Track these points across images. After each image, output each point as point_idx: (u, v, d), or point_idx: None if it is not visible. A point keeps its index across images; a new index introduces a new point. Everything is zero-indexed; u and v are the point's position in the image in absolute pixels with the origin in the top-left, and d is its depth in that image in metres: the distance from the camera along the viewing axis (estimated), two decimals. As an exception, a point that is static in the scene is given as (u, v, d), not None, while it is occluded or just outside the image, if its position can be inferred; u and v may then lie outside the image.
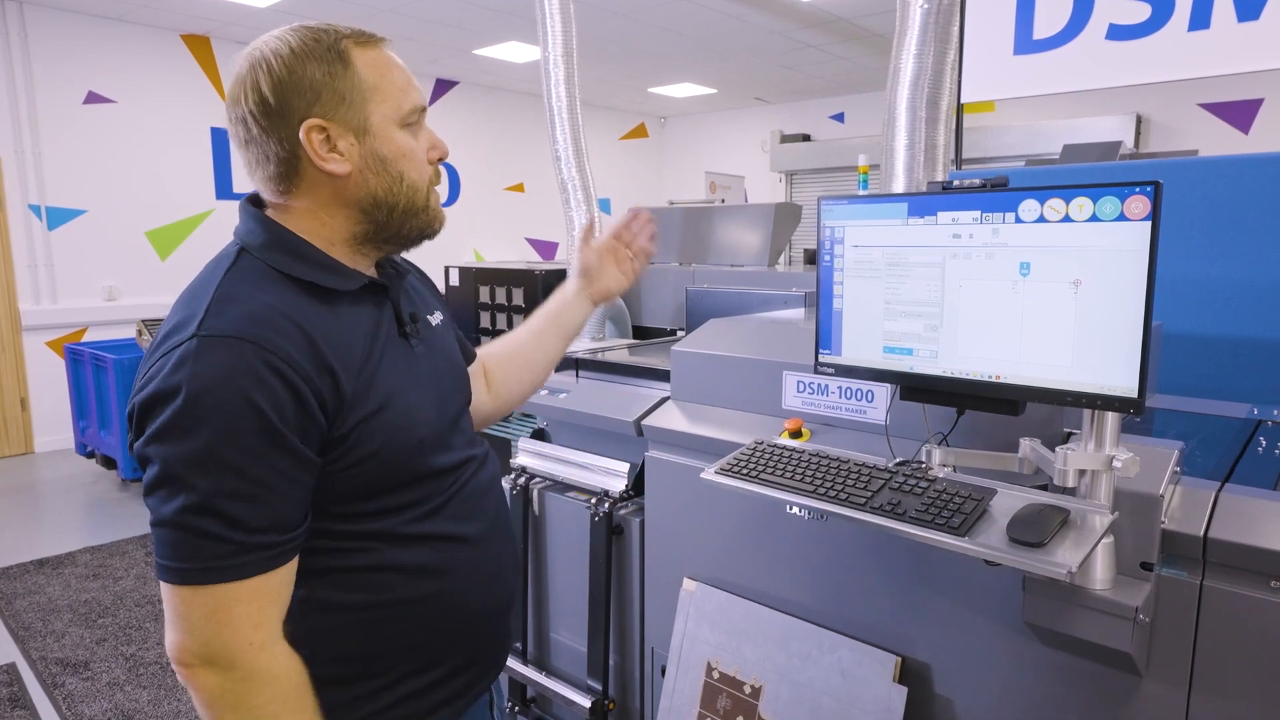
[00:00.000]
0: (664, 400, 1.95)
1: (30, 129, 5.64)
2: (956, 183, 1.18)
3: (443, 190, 1.15)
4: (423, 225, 1.02)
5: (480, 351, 1.33)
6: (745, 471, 1.40)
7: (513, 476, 2.20)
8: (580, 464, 2.07)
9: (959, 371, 1.22)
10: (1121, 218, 1.03)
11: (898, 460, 1.37)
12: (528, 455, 2.21)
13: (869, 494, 1.24)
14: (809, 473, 1.35)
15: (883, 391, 1.58)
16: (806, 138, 8.87)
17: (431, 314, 1.13)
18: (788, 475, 1.36)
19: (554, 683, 2.12)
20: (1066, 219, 1.08)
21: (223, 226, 6.52)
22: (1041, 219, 1.10)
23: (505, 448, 2.36)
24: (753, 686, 1.68)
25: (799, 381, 1.70)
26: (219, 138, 6.47)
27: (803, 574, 1.64)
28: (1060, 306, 1.10)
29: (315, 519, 0.91)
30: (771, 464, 1.41)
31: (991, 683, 1.40)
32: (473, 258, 8.06)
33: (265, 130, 0.91)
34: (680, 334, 3.23)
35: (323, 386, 0.87)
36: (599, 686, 2.01)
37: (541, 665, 2.22)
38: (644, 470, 1.95)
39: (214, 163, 6.48)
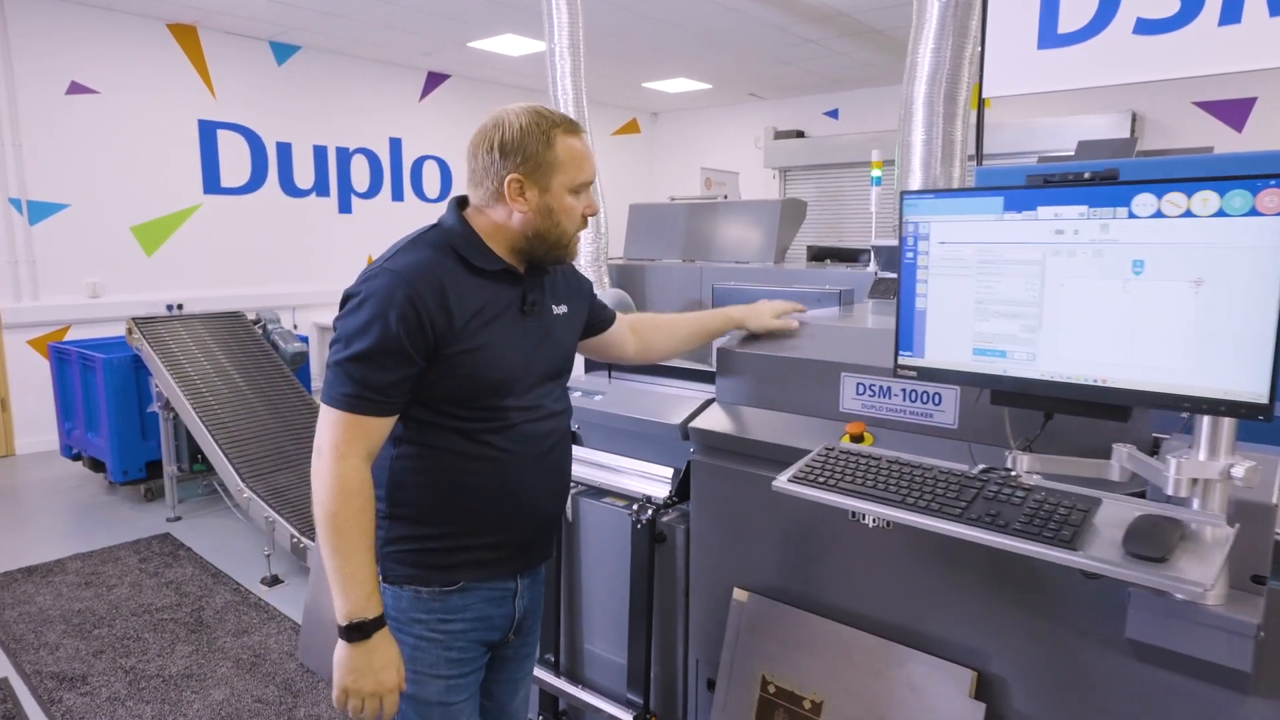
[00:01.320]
0: (708, 403, 1.88)
1: (10, 120, 5.45)
2: (1060, 176, 1.12)
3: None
4: (560, 256, 1.45)
5: (641, 315, 1.84)
6: (821, 479, 1.34)
7: (545, 482, 2.12)
8: (620, 469, 1.99)
9: (1059, 375, 1.16)
10: (1253, 212, 0.97)
11: (981, 467, 1.31)
12: (561, 460, 2.12)
13: (962, 504, 1.18)
14: (890, 481, 1.28)
15: (951, 395, 1.52)
16: (800, 134, 8.83)
17: (559, 304, 1.52)
18: (868, 484, 1.29)
19: (589, 695, 2.04)
20: (1188, 214, 1.02)
21: (211, 221, 6.37)
22: (1159, 214, 1.04)
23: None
24: (813, 701, 1.61)
25: (859, 384, 1.64)
26: (206, 132, 6.31)
27: (866, 584, 1.58)
28: (1178, 307, 1.04)
29: (418, 408, 1.34)
30: (847, 471, 1.34)
31: (1074, 697, 1.34)
32: (465, 254, 7.94)
33: (488, 169, 1.36)
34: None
35: (438, 318, 1.29)
36: (640, 700, 1.94)
37: (574, 677, 2.14)
38: (688, 475, 1.88)
39: (201, 156, 6.31)
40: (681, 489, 1.90)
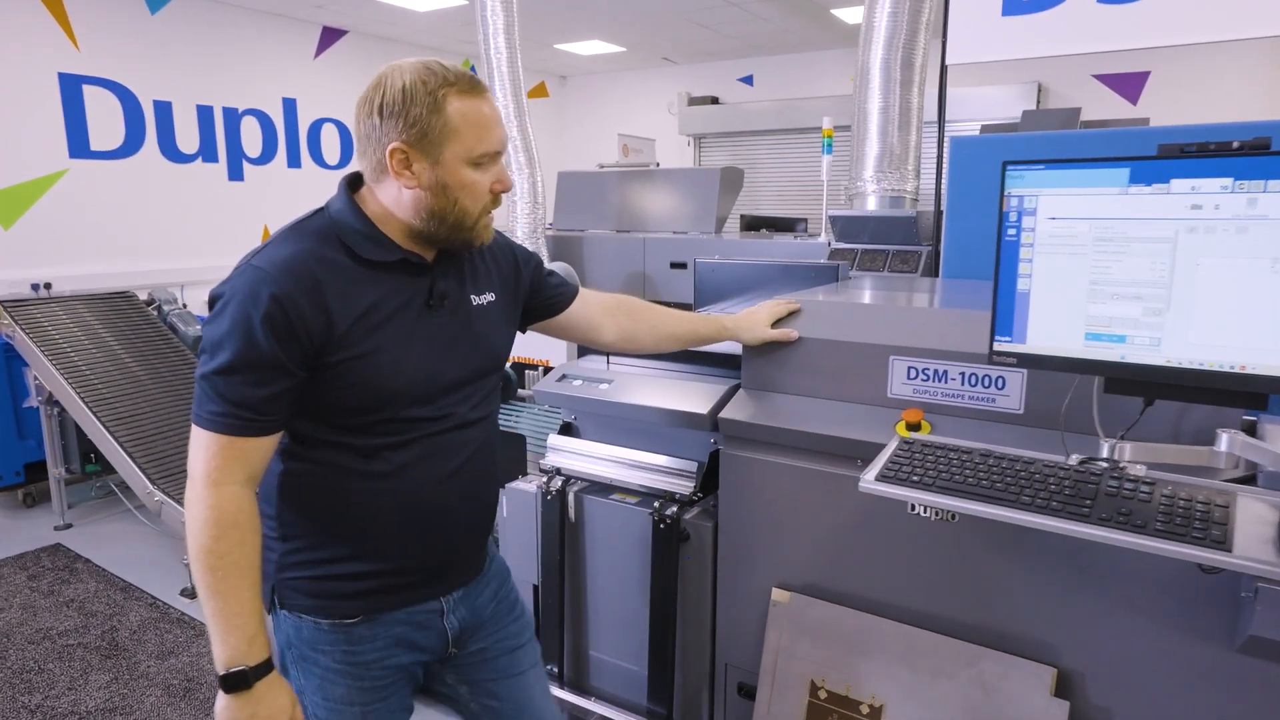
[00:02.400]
0: (733, 390, 1.74)
1: None
2: (1199, 146, 1.02)
3: (498, 210, 1.30)
4: (466, 239, 1.24)
5: (631, 300, 1.62)
6: (914, 477, 1.22)
7: (544, 480, 1.94)
8: (633, 463, 1.83)
9: (1189, 361, 1.08)
10: None
11: (1078, 457, 1.23)
12: (564, 455, 1.94)
13: (1085, 502, 1.09)
14: (992, 477, 1.18)
15: (1017, 378, 1.44)
16: (715, 100, 8.72)
17: (481, 294, 1.33)
18: (969, 481, 1.18)
19: (602, 707, 1.89)
20: (1353, 188, 0.95)
21: (80, 189, 5.66)
22: (1318, 188, 0.96)
23: (520, 444, 2.07)
24: (871, 706, 1.52)
25: (910, 367, 1.53)
26: (70, 87, 5.58)
27: (927, 579, 1.49)
28: (1336, 288, 0.97)
29: (300, 417, 1.18)
30: (939, 466, 1.23)
31: (1167, 692, 1.30)
32: (370, 225, 7.45)
33: (369, 137, 1.17)
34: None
35: (314, 322, 1.12)
36: (663, 710, 1.81)
37: (580, 688, 1.98)
38: (714, 468, 1.74)
39: (65, 117, 5.57)
40: (703, 484, 1.76)
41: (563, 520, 1.91)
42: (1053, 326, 1.17)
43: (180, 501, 3.28)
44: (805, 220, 5.15)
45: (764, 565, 1.67)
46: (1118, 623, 1.32)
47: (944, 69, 3.11)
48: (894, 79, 3.45)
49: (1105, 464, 1.20)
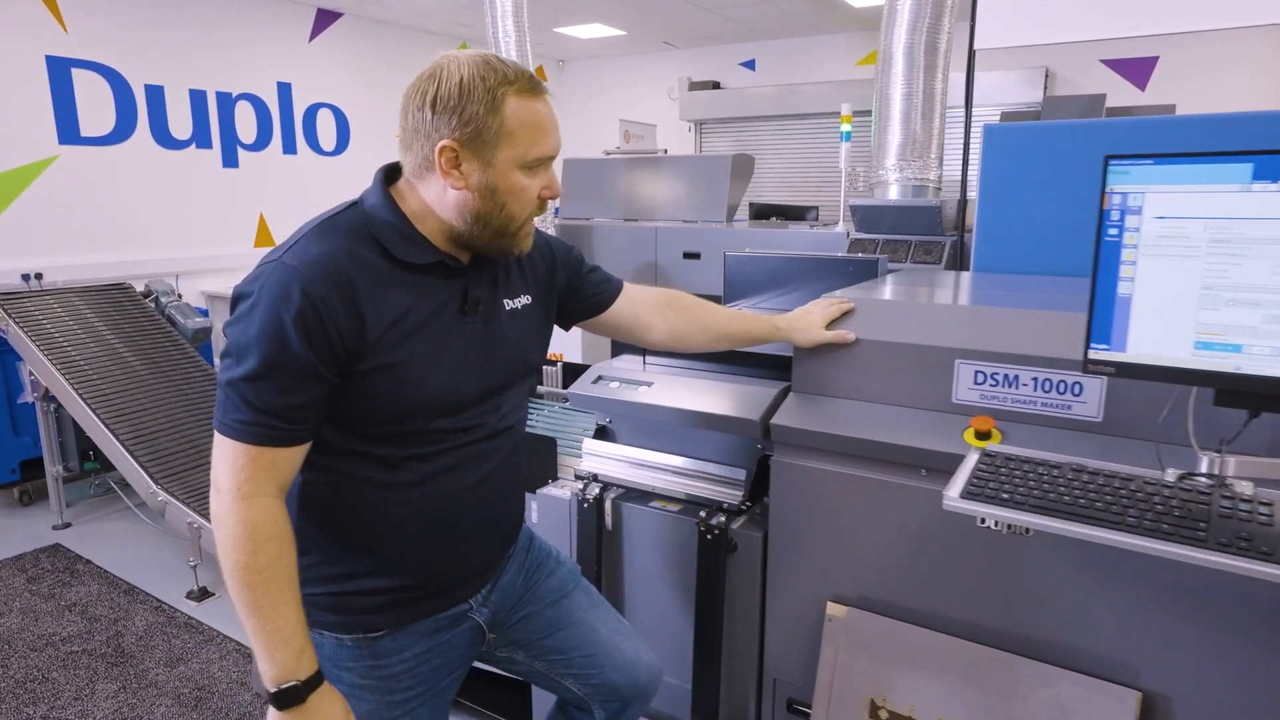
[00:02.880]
0: (784, 394, 1.66)
1: None
2: (1334, 139, 0.94)
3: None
4: (507, 246, 1.18)
5: (681, 296, 1.56)
6: (1004, 495, 1.14)
7: (581, 487, 1.85)
8: (682, 470, 1.75)
9: (1315, 373, 1.00)
10: None
11: (1178, 473, 1.15)
12: (601, 459, 1.86)
13: (1200, 525, 1.01)
14: (1089, 495, 1.10)
15: (1096, 384, 1.36)
16: (716, 85, 8.59)
17: (515, 297, 1.27)
18: (1064, 500, 1.11)
19: (642, 723, 1.82)
20: None
21: (70, 176, 5.51)
22: None
23: (550, 446, 1.98)
24: (937, 727, 1.45)
25: (978, 372, 1.45)
26: (59, 71, 5.41)
27: (996, 594, 1.42)
28: None
29: (327, 428, 1.11)
30: (1026, 483, 1.16)
31: (1250, 715, 1.23)
32: (367, 212, 7.31)
33: (417, 130, 1.09)
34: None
35: (347, 326, 1.05)
36: (708, 726, 1.74)
37: (617, 701, 1.90)
38: (760, 476, 1.66)
39: (54, 101, 5.41)
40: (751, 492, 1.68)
41: (600, 528, 1.83)
42: (1157, 334, 1.09)
43: (184, 501, 3.19)
44: (817, 208, 5.05)
45: (817, 578, 1.60)
46: (1208, 645, 1.25)
47: (971, 54, 3.01)
48: (918, 64, 3.36)
49: (1207, 480, 1.12)
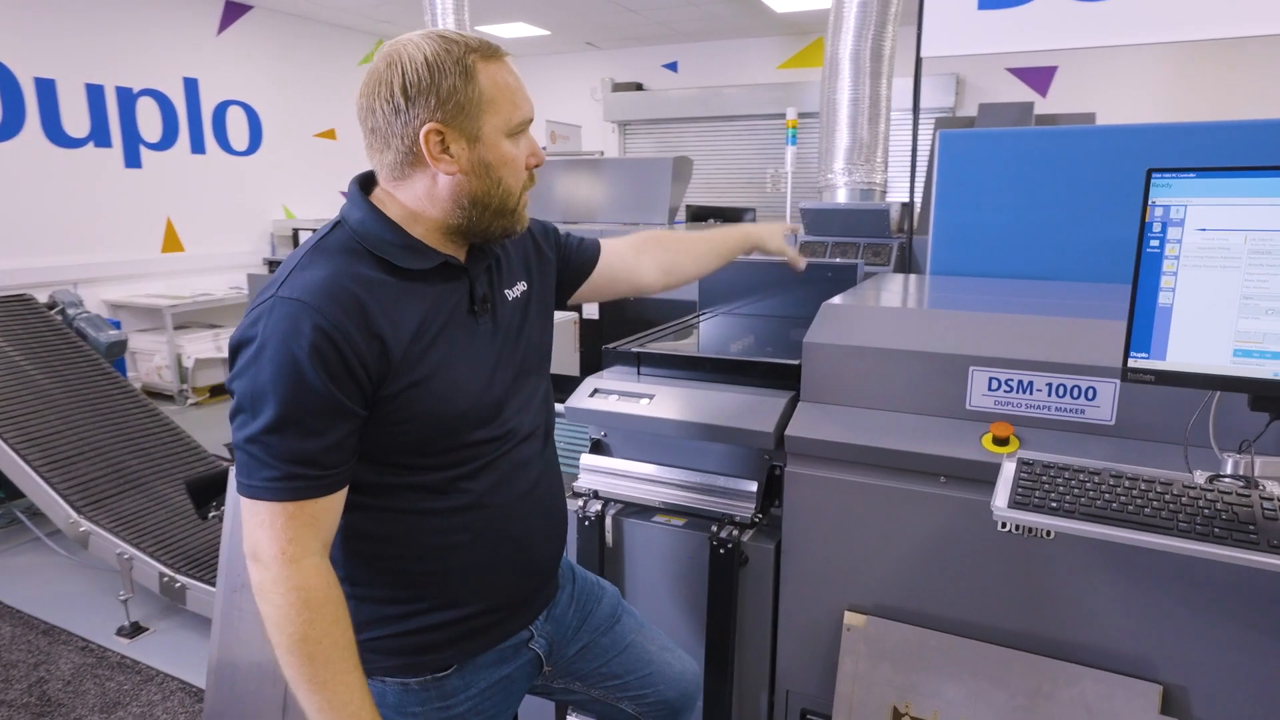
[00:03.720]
0: (792, 403, 1.64)
1: None
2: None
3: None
4: (508, 226, 1.12)
5: (648, 233, 1.59)
6: (1050, 503, 1.16)
7: (581, 504, 1.79)
8: (690, 484, 1.71)
9: (1348, 378, 1.05)
10: None
11: (1208, 475, 1.19)
12: (602, 476, 1.80)
13: (1249, 529, 1.05)
14: (1135, 501, 1.13)
15: (1109, 389, 1.40)
16: (639, 87, 8.60)
17: (513, 286, 1.22)
18: (1111, 507, 1.13)
19: (650, 743, 1.77)
20: None
21: (-51, 178, 5.03)
22: None
23: (540, 465, 1.91)
24: (962, 731, 1.46)
25: (992, 378, 1.47)
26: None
27: (1016, 597, 1.44)
28: None
29: (360, 464, 1.03)
30: (1070, 489, 1.17)
31: (1265, 704, 1.29)
32: (282, 215, 6.97)
33: (391, 124, 1.02)
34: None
35: (368, 352, 0.98)
36: (721, 743, 1.71)
37: (620, 722, 1.85)
38: (773, 487, 1.64)
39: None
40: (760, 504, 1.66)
41: (601, 546, 1.78)
42: (1196, 342, 1.12)
43: (111, 530, 2.94)
44: (754, 210, 5.11)
45: (834, 588, 1.59)
46: (1224, 636, 1.30)
47: (919, 61, 3.09)
48: (864, 70, 3.43)
49: (1234, 480, 1.17)
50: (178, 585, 2.81)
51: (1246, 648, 1.29)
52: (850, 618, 1.57)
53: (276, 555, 0.96)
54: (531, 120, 1.10)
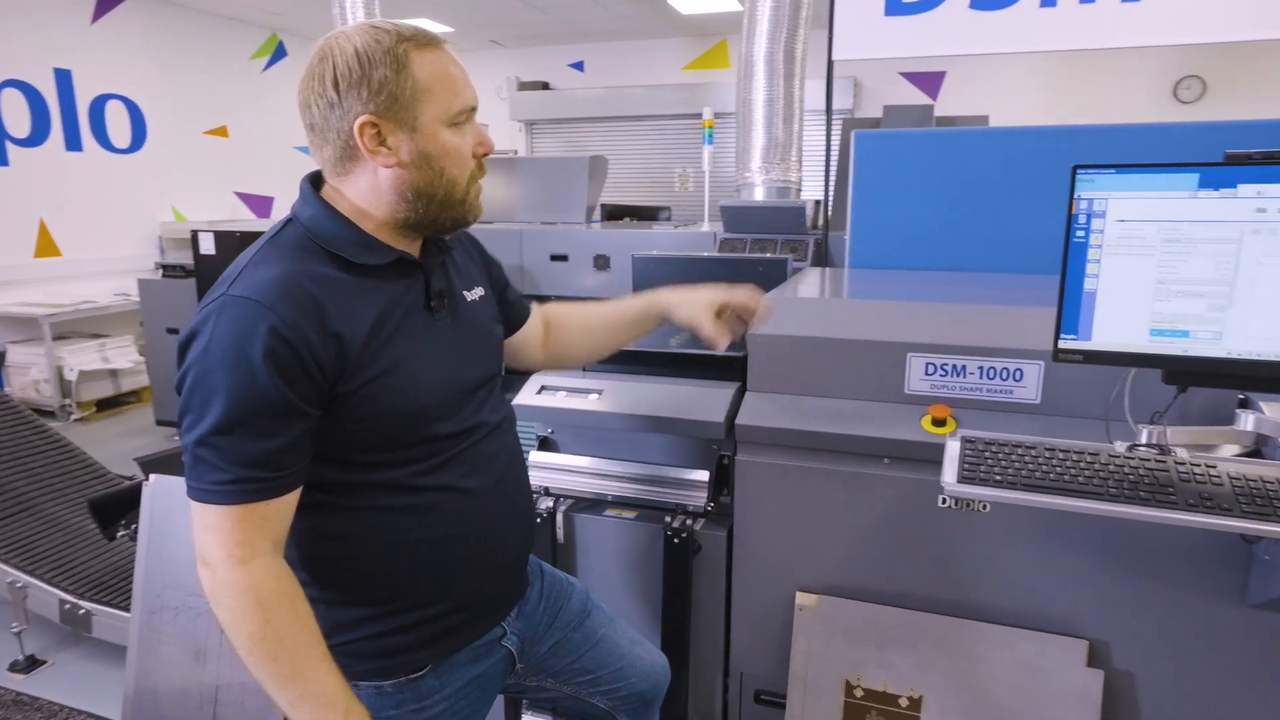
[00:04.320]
0: (740, 394, 1.69)
1: None
2: (1264, 154, 1.11)
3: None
4: (458, 216, 1.11)
5: (552, 308, 1.49)
6: (995, 477, 1.24)
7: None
8: (642, 477, 1.73)
9: (1248, 353, 1.17)
10: None
11: (1125, 444, 1.31)
12: (552, 472, 1.80)
13: (1169, 491, 1.16)
14: (1070, 471, 1.22)
15: (1035, 369, 1.51)
16: (546, 86, 8.55)
17: (471, 289, 1.22)
18: (1049, 478, 1.22)
19: (607, 735, 1.79)
20: (1399, 194, 1.06)
21: None
22: (1370, 194, 1.07)
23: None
24: (910, 698, 1.55)
25: (928, 364, 1.56)
26: None
27: (956, 569, 1.54)
28: (1382, 283, 1.09)
29: (322, 463, 1.02)
30: (1011, 463, 1.26)
31: (1179, 650, 1.42)
32: (171, 217, 6.58)
33: (327, 119, 1.02)
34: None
35: (324, 351, 0.97)
36: (679, 729, 1.74)
37: (575, 717, 1.86)
38: (722, 476, 1.69)
39: None
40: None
41: (553, 542, 1.78)
42: (1118, 324, 1.22)
43: (3, 558, 2.72)
44: (669, 209, 5.18)
45: (784, 570, 1.65)
46: (1137, 592, 1.43)
47: (830, 64, 3.22)
48: (778, 71, 3.54)
49: (1149, 449, 1.28)
50: (81, 612, 2.63)
51: (1161, 603, 1.42)
52: (802, 598, 1.63)
53: (225, 559, 0.94)
54: (474, 108, 1.09)
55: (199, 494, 0.95)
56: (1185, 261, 1.17)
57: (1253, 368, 1.17)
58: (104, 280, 6.00)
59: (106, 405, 5.59)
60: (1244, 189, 1.12)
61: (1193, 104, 6.81)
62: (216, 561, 0.95)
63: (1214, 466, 1.20)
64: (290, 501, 1.00)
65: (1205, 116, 6.70)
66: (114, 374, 5.61)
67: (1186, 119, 6.78)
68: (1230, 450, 1.38)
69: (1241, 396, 1.42)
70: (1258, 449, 1.38)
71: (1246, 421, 1.31)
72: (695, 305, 1.38)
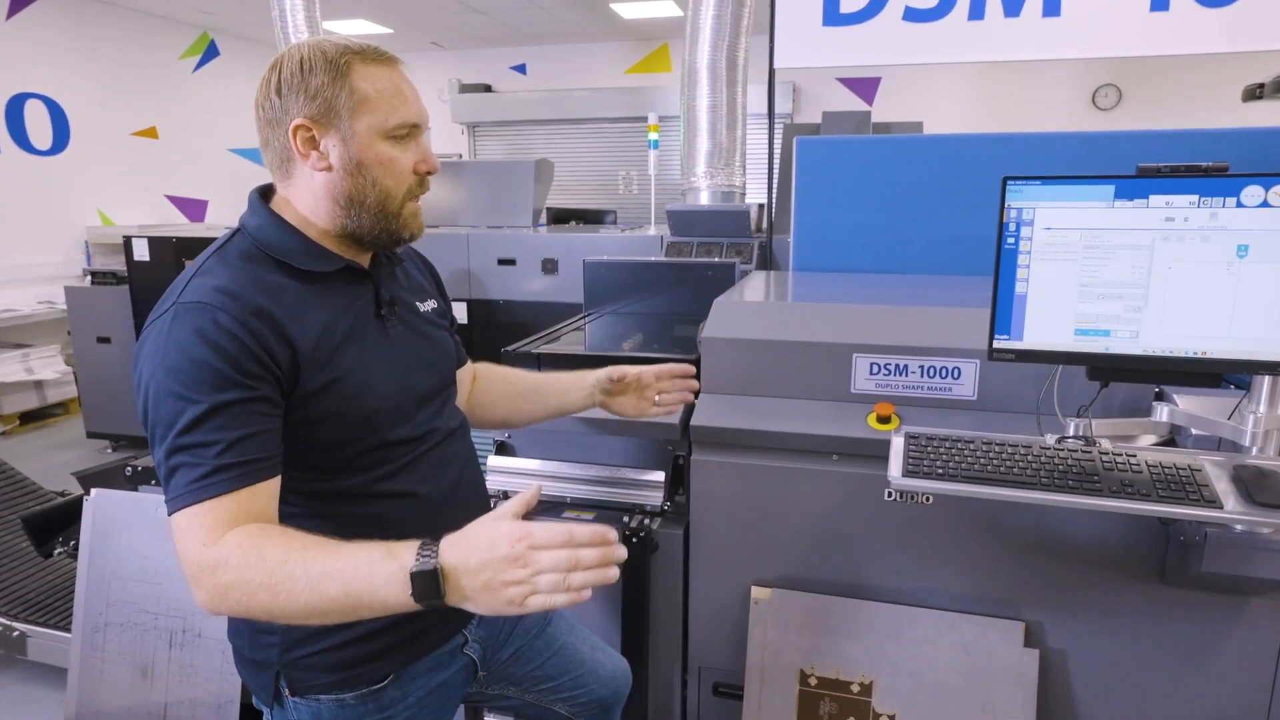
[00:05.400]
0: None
1: None
2: (1171, 168, 1.20)
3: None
4: (394, 230, 1.12)
5: (483, 367, 1.52)
6: (937, 470, 1.31)
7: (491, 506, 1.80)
8: (600, 479, 1.77)
9: (1161, 350, 1.27)
10: (1348, 204, 1.15)
11: (1055, 437, 1.40)
12: (511, 476, 1.82)
13: (1095, 480, 1.25)
14: (1005, 464, 1.31)
15: (971, 368, 1.59)
16: (488, 88, 8.52)
17: (423, 301, 1.26)
18: (986, 470, 1.30)
19: (568, 734, 1.82)
20: (1292, 204, 1.17)
21: None
22: (1265, 204, 1.18)
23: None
24: (861, 684, 1.62)
25: (872, 364, 1.64)
26: None
27: (903, 558, 1.61)
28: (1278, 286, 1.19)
29: (290, 477, 1.02)
30: (951, 457, 1.34)
31: (1105, 626, 1.53)
32: (98, 221, 6.35)
33: (270, 123, 1.07)
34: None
35: (279, 348, 0.99)
36: (639, 724, 1.78)
37: (536, 717, 1.88)
38: (683, 476, 1.74)
39: None
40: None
41: (513, 546, 1.80)
42: (1046, 324, 1.31)
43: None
44: (615, 212, 5.22)
45: (739, 566, 1.71)
46: (1068, 575, 1.53)
47: (772, 72, 3.30)
48: (721, 78, 3.61)
49: (1078, 440, 1.38)
50: (15, 634, 2.54)
51: (1089, 584, 1.52)
52: (757, 592, 1.69)
53: (196, 557, 0.91)
54: (416, 125, 1.10)
55: (177, 502, 0.93)
56: (1105, 266, 1.26)
57: (1166, 364, 1.27)
58: (26, 288, 5.75)
59: (31, 418, 5.37)
60: (1154, 200, 1.22)
61: (1110, 110, 7.16)
62: (190, 560, 0.91)
63: (1134, 455, 1.29)
64: (270, 489, 0.98)
65: (1121, 122, 7.06)
66: (39, 385, 5.39)
67: (1104, 124, 7.14)
68: (1148, 440, 1.49)
69: (1157, 390, 1.53)
70: (1172, 438, 1.49)
71: (1162, 413, 1.41)
72: (584, 387, 1.51)
